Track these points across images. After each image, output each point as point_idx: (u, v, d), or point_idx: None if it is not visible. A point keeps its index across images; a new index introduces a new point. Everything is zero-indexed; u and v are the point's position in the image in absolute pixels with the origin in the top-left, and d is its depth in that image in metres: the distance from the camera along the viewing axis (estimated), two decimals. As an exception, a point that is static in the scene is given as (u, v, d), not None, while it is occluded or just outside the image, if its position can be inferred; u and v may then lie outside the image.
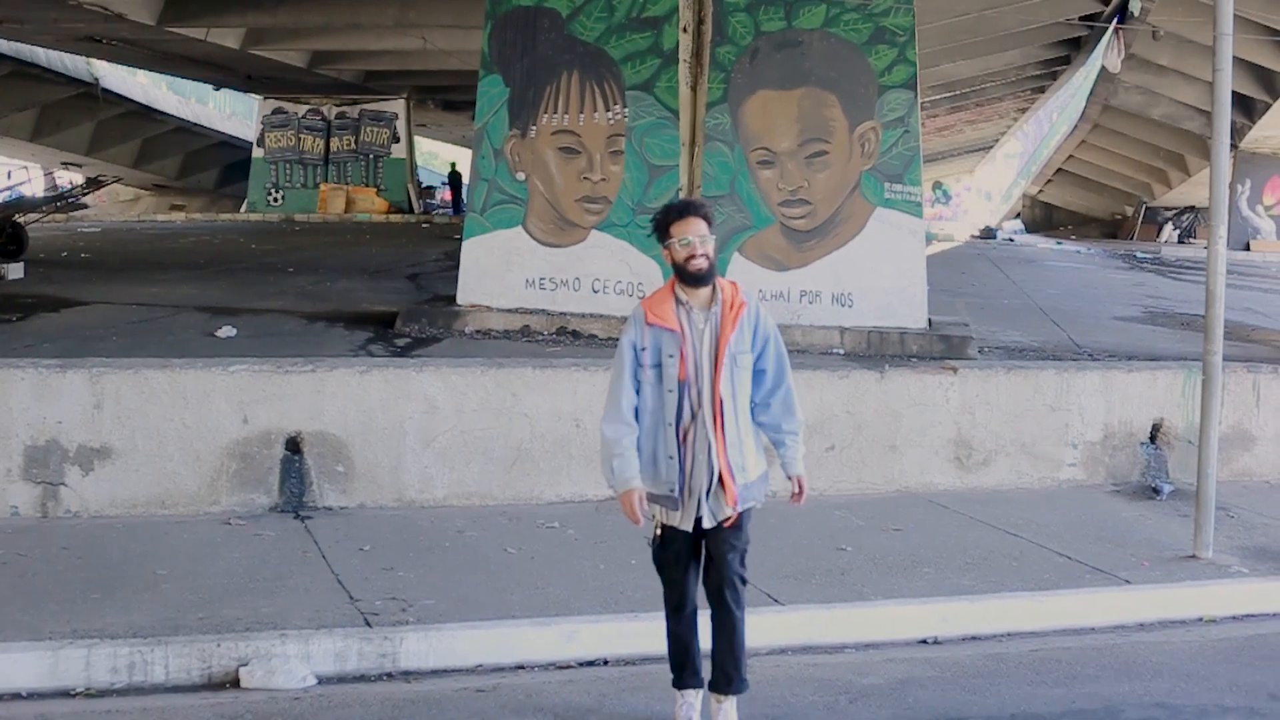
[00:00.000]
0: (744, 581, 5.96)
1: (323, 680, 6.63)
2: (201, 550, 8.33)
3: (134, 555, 8.17)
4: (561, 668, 6.92)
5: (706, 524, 5.84)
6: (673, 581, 6.03)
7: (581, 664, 6.95)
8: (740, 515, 5.90)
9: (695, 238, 5.82)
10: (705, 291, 5.89)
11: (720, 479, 5.82)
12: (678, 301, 5.92)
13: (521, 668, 6.89)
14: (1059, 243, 36.92)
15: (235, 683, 6.54)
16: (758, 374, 5.96)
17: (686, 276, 5.85)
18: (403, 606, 7.27)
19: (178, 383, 9.27)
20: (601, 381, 8.75)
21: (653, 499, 5.87)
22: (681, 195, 12.75)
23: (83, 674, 6.48)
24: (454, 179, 44.57)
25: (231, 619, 6.98)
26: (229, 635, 6.73)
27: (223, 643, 6.66)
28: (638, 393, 5.88)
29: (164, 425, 9.21)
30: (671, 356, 5.84)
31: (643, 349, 5.86)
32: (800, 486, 6.00)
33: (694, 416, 5.84)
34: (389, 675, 6.76)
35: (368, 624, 6.98)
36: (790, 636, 7.30)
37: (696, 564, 6.00)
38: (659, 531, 5.97)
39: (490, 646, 6.95)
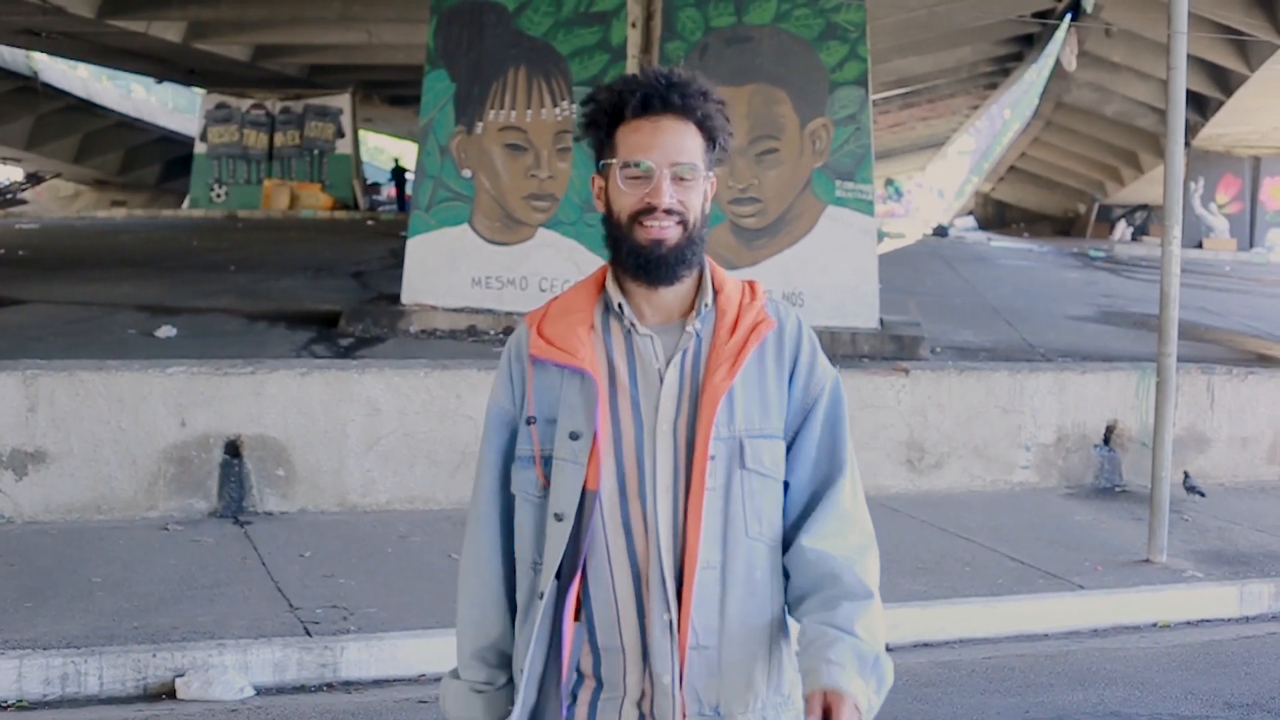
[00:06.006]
0: None
1: (261, 691, 6.48)
2: (138, 557, 8.13)
3: (68, 562, 7.96)
4: (506, 677, 6.78)
5: None
6: None
7: (526, 673, 6.81)
8: None
9: (663, 164, 2.57)
10: (677, 291, 2.67)
11: None
12: (606, 308, 2.74)
13: (465, 678, 6.75)
14: (990, 239, 37.15)
15: (171, 694, 6.38)
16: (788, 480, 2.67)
17: (635, 255, 2.63)
18: (344, 615, 7.11)
19: (114, 385, 9.05)
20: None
21: None
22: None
23: (14, 685, 6.31)
24: (399, 175, 44.26)
25: (168, 628, 6.80)
26: (165, 645, 6.56)
27: (158, 653, 6.50)
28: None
29: (100, 429, 9.00)
30: (575, 437, 2.61)
31: (529, 419, 2.67)
32: (827, 713, 2.43)
33: (635, 583, 2.59)
34: (329, 685, 6.62)
35: (308, 633, 6.82)
36: (741, 644, 7.16)
37: None
38: None
39: (433, 655, 6.77)
